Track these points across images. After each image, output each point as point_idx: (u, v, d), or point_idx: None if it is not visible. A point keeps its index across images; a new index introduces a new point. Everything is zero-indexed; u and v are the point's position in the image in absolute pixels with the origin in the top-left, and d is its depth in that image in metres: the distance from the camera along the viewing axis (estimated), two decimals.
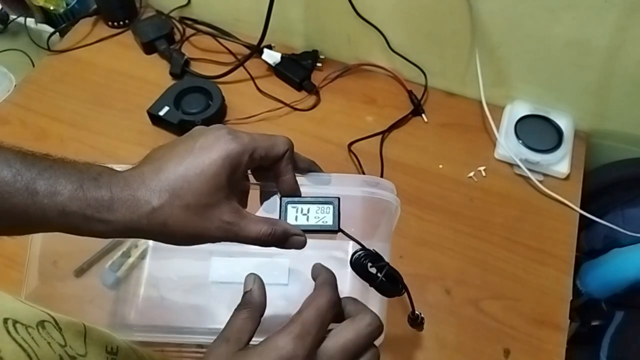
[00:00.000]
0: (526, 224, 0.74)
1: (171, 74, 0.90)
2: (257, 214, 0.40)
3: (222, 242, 0.37)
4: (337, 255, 0.65)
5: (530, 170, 0.77)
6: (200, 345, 0.58)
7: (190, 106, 0.83)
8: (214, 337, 0.35)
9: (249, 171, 0.43)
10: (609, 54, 0.71)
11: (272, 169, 0.41)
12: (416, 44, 0.84)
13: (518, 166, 0.77)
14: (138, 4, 0.98)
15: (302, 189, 0.42)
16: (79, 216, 0.33)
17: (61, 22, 1.00)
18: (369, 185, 0.45)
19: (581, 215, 0.74)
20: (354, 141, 0.81)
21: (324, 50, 0.91)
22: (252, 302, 0.37)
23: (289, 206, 0.41)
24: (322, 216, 0.41)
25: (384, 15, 0.81)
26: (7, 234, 0.35)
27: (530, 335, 0.64)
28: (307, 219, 0.41)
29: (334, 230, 0.41)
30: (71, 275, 0.62)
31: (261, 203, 0.44)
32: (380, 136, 0.82)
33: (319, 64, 0.90)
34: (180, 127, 0.81)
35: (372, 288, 0.42)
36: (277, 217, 0.41)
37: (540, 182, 0.77)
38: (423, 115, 0.85)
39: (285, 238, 0.39)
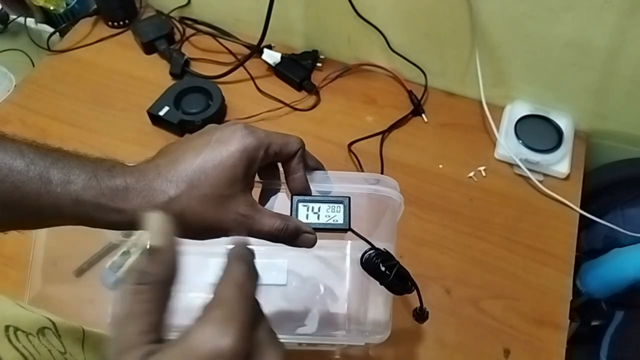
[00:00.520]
0: (526, 224, 0.74)
1: (171, 74, 0.90)
2: None
3: (217, 244, 0.37)
4: (335, 254, 0.66)
5: (530, 170, 0.77)
6: None
7: (190, 106, 0.82)
8: None
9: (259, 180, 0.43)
10: (609, 54, 0.71)
11: (284, 167, 0.41)
12: (416, 44, 0.84)
13: (518, 166, 0.77)
14: (138, 4, 0.98)
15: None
16: (92, 205, 0.32)
17: (61, 22, 1.00)
18: (372, 182, 0.45)
19: (581, 215, 0.74)
20: (354, 141, 0.81)
21: (324, 50, 0.91)
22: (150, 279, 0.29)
23: (300, 205, 0.41)
24: (332, 215, 0.41)
25: (384, 15, 0.81)
26: (20, 227, 0.34)
27: (530, 335, 0.64)
28: (318, 218, 0.41)
29: (344, 229, 0.41)
30: (71, 275, 0.63)
31: (260, 202, 0.44)
32: (380, 136, 0.82)
33: (319, 64, 0.90)
34: (180, 127, 0.81)
35: (374, 285, 0.42)
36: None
37: (540, 182, 0.77)
38: (423, 115, 0.85)
39: (296, 235, 0.39)
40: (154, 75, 0.90)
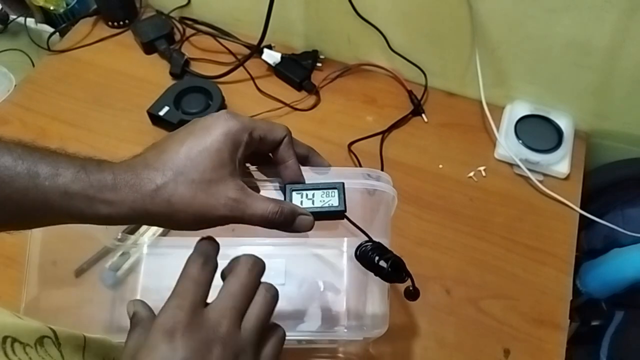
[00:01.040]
0: (526, 223, 0.74)
1: (171, 74, 0.90)
2: None
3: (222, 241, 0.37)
4: (332, 253, 0.66)
5: (530, 170, 0.77)
6: None
7: (190, 106, 0.83)
8: None
9: (250, 166, 0.43)
10: (609, 54, 0.71)
11: (273, 156, 0.41)
12: (416, 44, 0.84)
13: (518, 166, 0.77)
14: (138, 4, 0.98)
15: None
16: (81, 197, 0.32)
17: (61, 22, 1.00)
18: (366, 177, 0.46)
19: (581, 215, 0.74)
20: (354, 141, 0.81)
21: (324, 50, 0.91)
22: (142, 318, 0.36)
23: (294, 193, 0.41)
24: (327, 199, 0.41)
25: (384, 15, 0.81)
26: (10, 227, 0.34)
27: (530, 335, 0.64)
28: (313, 203, 0.41)
29: (340, 212, 0.41)
30: (71, 275, 0.62)
31: None
32: (380, 136, 0.82)
33: (319, 64, 0.90)
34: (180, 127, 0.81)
35: (371, 280, 0.42)
36: None
37: (540, 182, 0.77)
38: (423, 115, 0.85)
39: (292, 217, 0.38)
40: (154, 75, 0.90)
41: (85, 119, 0.84)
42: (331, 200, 0.41)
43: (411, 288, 0.46)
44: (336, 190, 0.42)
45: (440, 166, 0.79)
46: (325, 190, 0.42)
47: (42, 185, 0.32)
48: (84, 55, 0.93)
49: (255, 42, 0.84)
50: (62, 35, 0.98)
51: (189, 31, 0.96)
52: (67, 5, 1.00)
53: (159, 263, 0.66)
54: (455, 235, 0.72)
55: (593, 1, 0.66)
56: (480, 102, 0.82)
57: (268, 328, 0.36)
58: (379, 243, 0.43)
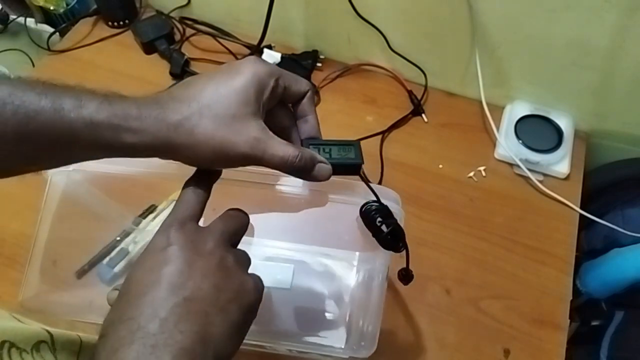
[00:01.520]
0: (526, 223, 0.74)
1: (171, 74, 0.90)
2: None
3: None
4: (342, 265, 0.65)
5: (530, 170, 0.77)
6: None
7: None
8: None
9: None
10: (609, 54, 0.71)
11: (294, 109, 0.42)
12: (416, 44, 0.84)
13: (518, 166, 0.77)
14: (138, 4, 0.98)
15: (299, 189, 0.42)
16: (107, 126, 0.32)
17: (61, 22, 1.00)
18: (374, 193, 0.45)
19: (581, 215, 0.74)
20: None
21: (324, 50, 0.91)
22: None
23: (311, 147, 0.41)
24: (344, 154, 0.42)
25: (384, 15, 0.81)
26: (41, 165, 0.35)
27: (530, 335, 0.64)
28: (330, 157, 0.41)
29: (358, 165, 0.42)
30: (71, 275, 0.62)
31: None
32: (380, 136, 0.82)
33: (319, 64, 0.90)
34: None
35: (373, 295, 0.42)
36: None
37: (540, 182, 0.77)
38: (423, 115, 0.85)
39: (312, 164, 0.39)
40: (154, 75, 0.90)
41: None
42: (348, 154, 0.42)
43: (404, 271, 0.47)
44: (353, 147, 0.43)
45: (440, 166, 0.79)
46: (342, 147, 0.42)
47: (67, 117, 0.32)
48: (84, 55, 0.93)
49: (255, 42, 0.84)
50: (62, 35, 0.98)
51: (189, 31, 0.96)
52: (67, 5, 1.00)
53: None
54: (455, 235, 0.72)
55: (593, 1, 0.66)
56: (480, 102, 0.82)
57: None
58: (385, 206, 0.43)
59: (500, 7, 0.72)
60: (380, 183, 0.76)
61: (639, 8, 0.65)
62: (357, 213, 0.42)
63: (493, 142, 0.81)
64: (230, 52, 0.92)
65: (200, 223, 0.37)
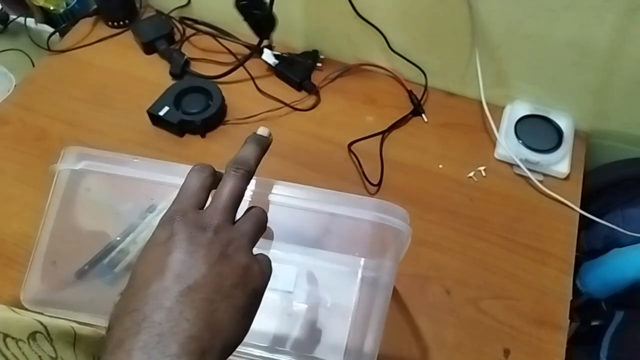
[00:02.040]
0: (526, 224, 0.74)
1: (171, 74, 0.90)
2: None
3: None
4: (346, 271, 0.64)
5: (530, 170, 0.77)
6: None
7: (190, 106, 0.82)
8: None
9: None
10: (609, 54, 0.71)
11: None
12: (416, 44, 0.84)
13: (518, 166, 0.77)
14: (138, 4, 0.98)
15: (304, 204, 0.43)
16: None
17: (61, 22, 1.00)
18: (381, 210, 0.44)
19: (581, 215, 0.74)
20: (354, 141, 0.81)
21: (324, 50, 0.91)
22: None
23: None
24: None
25: (384, 15, 0.81)
26: None
27: (530, 335, 0.64)
28: None
29: None
30: (71, 275, 0.62)
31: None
32: (380, 136, 0.82)
33: (319, 64, 0.90)
34: (180, 127, 0.81)
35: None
36: None
37: (540, 182, 0.77)
38: (423, 115, 0.85)
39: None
40: (154, 75, 0.90)
41: (85, 119, 0.84)
42: None
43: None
44: None
45: (440, 166, 0.79)
46: None
47: None
48: (84, 55, 0.93)
49: (255, 42, 0.84)
50: (62, 35, 0.98)
51: (189, 31, 0.96)
52: (67, 5, 1.00)
53: None
54: (455, 235, 0.72)
55: (593, 1, 0.66)
56: (480, 102, 0.82)
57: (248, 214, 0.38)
58: None
59: (500, 7, 0.72)
60: (380, 183, 0.76)
61: (639, 8, 0.64)
62: (359, 227, 0.42)
63: (493, 142, 0.81)
64: (230, 52, 0.92)
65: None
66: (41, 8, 1.01)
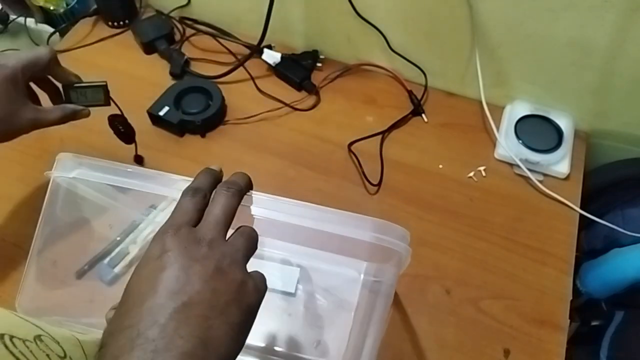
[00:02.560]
0: (526, 224, 0.74)
1: (171, 74, 0.90)
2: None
3: None
4: (348, 274, 0.64)
5: (530, 170, 0.77)
6: None
7: (190, 106, 0.83)
8: None
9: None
10: (609, 54, 0.71)
11: (51, 75, 0.60)
12: (416, 44, 0.84)
13: (518, 166, 0.77)
14: (138, 4, 0.98)
15: (300, 221, 0.43)
16: None
17: (61, 22, 1.00)
18: (380, 231, 0.44)
19: (581, 215, 0.74)
20: (354, 141, 0.81)
21: (324, 50, 0.91)
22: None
23: (71, 91, 0.63)
24: (96, 95, 0.64)
25: (384, 15, 0.81)
26: None
27: (530, 335, 0.64)
28: (86, 99, 0.64)
29: (105, 105, 0.66)
30: (71, 275, 0.62)
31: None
32: (380, 136, 0.82)
33: (319, 64, 0.90)
34: (180, 127, 0.81)
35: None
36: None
37: (540, 182, 0.77)
38: (423, 115, 0.85)
39: (74, 114, 0.63)
40: (154, 75, 0.90)
41: (85, 118, 0.84)
42: (98, 95, 0.65)
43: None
44: (101, 89, 0.65)
45: (440, 166, 0.79)
46: (94, 88, 0.64)
47: None
48: (84, 55, 0.93)
49: (255, 42, 0.84)
50: (62, 35, 0.98)
51: (189, 31, 0.96)
52: (67, 5, 1.00)
53: None
54: (455, 235, 0.72)
55: (593, 1, 0.66)
56: (480, 102, 0.82)
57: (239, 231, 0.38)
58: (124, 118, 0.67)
59: (500, 7, 0.72)
60: (380, 183, 0.76)
61: (639, 8, 0.65)
62: (357, 247, 0.42)
63: (493, 142, 0.81)
64: (230, 52, 0.92)
65: None
66: (41, 8, 1.01)
